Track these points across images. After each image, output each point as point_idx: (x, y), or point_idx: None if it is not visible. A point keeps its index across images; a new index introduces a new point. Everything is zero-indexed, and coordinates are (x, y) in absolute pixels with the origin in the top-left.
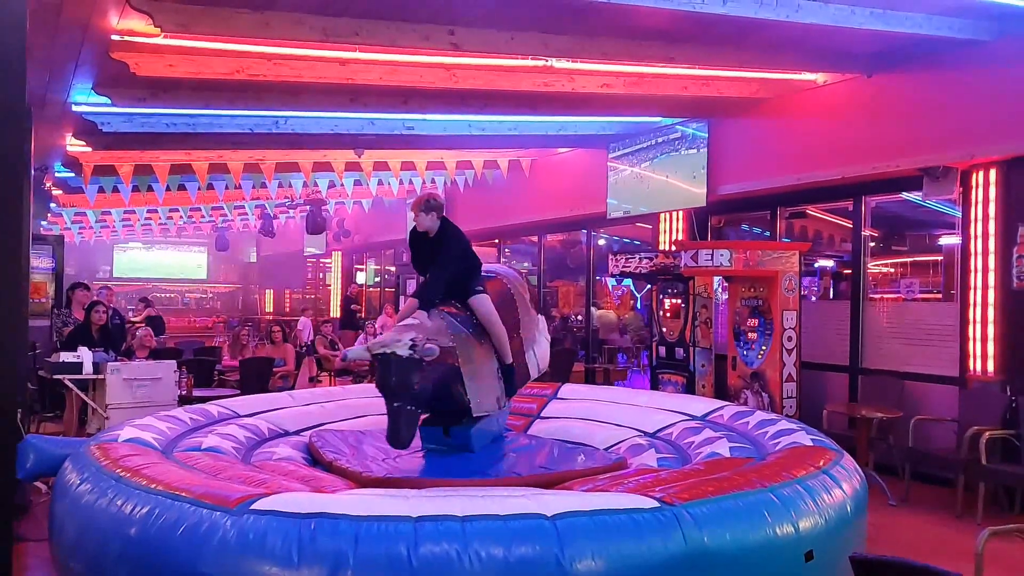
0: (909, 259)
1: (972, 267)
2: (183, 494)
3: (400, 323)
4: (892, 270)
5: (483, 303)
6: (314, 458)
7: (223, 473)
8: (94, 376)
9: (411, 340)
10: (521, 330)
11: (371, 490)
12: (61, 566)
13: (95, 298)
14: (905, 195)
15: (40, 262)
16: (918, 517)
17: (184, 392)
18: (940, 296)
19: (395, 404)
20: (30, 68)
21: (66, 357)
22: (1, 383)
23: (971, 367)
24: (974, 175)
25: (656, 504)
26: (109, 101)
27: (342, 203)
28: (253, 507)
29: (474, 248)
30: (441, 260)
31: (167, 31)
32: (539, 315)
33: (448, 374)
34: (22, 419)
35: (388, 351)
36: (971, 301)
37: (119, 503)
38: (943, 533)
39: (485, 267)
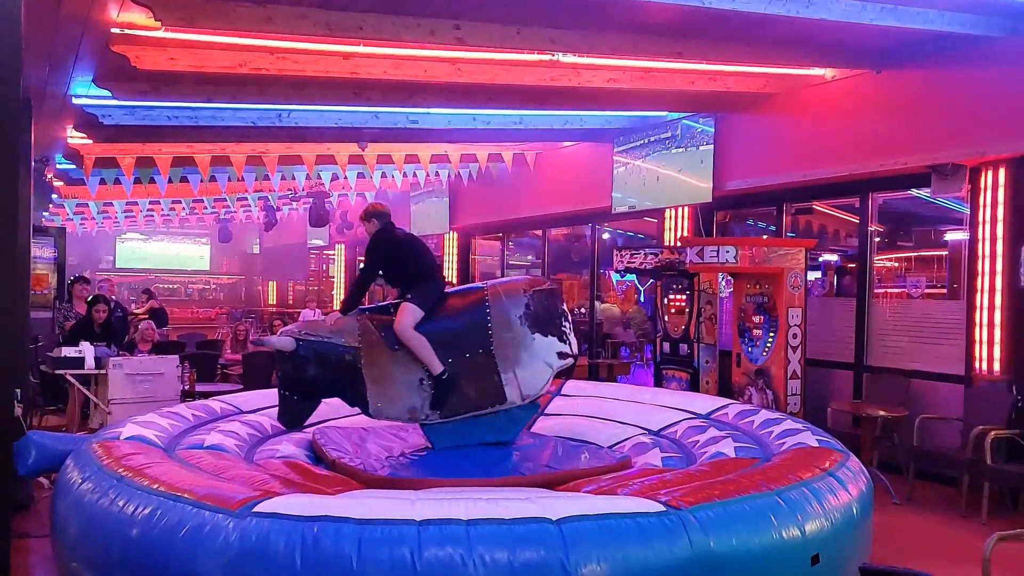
0: (914, 254)
1: (979, 265)
2: (186, 495)
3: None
4: (897, 265)
5: (400, 310)
6: (317, 456)
7: (226, 473)
8: (96, 371)
9: (282, 332)
10: (494, 348)
11: (375, 491)
12: (62, 565)
13: (97, 292)
14: (913, 191)
15: (42, 252)
16: (922, 516)
17: (186, 387)
18: (945, 292)
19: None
20: (30, 61)
21: (68, 352)
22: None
23: (977, 366)
24: (983, 173)
25: (662, 508)
26: (110, 94)
27: (345, 195)
28: (256, 509)
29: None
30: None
31: (168, 25)
32: (544, 336)
33: (346, 372)
34: (24, 413)
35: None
36: (978, 299)
37: (121, 503)
38: (947, 533)
39: (498, 280)
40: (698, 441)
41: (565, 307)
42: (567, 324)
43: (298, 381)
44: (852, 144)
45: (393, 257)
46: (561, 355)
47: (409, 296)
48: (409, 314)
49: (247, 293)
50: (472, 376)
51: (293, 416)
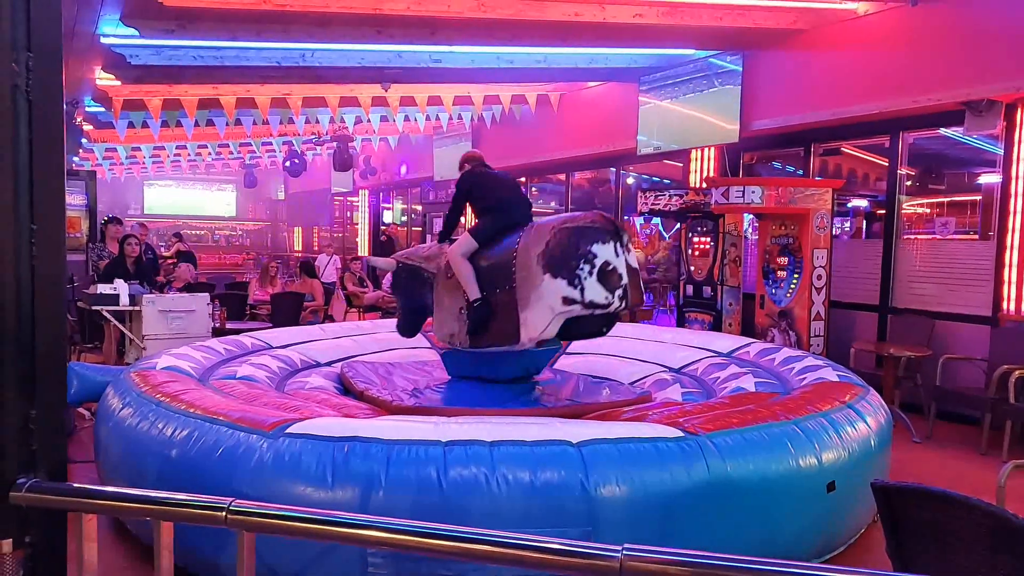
0: (945, 199)
1: (1011, 204)
2: (221, 418)
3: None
4: (927, 210)
5: (459, 238)
6: (345, 388)
7: (258, 400)
8: (131, 308)
9: (392, 257)
10: (516, 285)
11: (402, 416)
12: (106, 484)
13: (127, 232)
14: (943, 131)
15: (73, 199)
16: (941, 453)
17: (217, 324)
18: (976, 237)
19: None
20: None
21: (103, 289)
22: (51, 307)
23: (1005, 306)
24: (1019, 109)
25: (680, 434)
26: (137, 33)
27: (368, 140)
28: (288, 431)
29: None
30: None
31: None
32: (552, 277)
33: (425, 295)
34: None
35: None
36: (1008, 239)
37: (160, 426)
38: (966, 468)
39: (540, 219)
40: (719, 377)
41: (603, 248)
42: (585, 267)
43: (402, 294)
44: (883, 81)
45: (472, 194)
46: (566, 300)
47: (470, 227)
48: (463, 242)
49: (273, 239)
50: (498, 312)
51: (407, 326)
